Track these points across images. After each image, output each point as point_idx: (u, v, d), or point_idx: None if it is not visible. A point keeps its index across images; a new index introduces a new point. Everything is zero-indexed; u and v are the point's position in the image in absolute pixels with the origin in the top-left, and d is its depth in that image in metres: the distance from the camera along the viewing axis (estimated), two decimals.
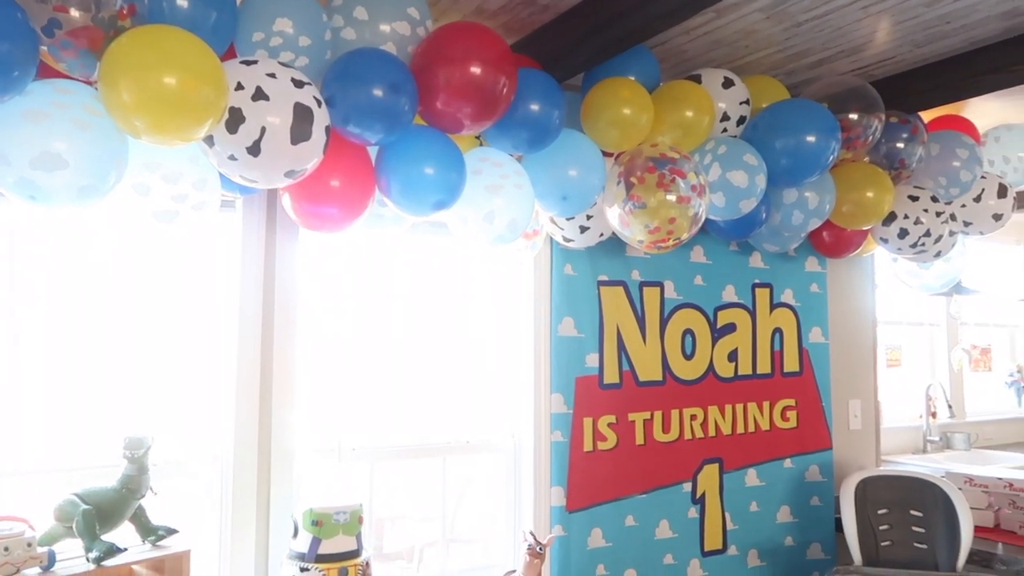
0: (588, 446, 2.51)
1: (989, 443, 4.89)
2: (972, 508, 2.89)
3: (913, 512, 2.67)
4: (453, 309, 2.40)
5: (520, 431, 2.47)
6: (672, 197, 2.11)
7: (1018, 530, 2.80)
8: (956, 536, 2.54)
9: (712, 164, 2.21)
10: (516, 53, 2.02)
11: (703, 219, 2.14)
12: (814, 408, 3.00)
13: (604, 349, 2.57)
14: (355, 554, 1.82)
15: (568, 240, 2.36)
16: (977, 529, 2.84)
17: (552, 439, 2.46)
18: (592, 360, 2.55)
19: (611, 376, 2.58)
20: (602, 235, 2.33)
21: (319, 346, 2.17)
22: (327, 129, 1.64)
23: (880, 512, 2.70)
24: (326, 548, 1.78)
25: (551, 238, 2.44)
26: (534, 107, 1.96)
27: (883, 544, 2.66)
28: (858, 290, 3.20)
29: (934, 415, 4.63)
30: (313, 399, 2.14)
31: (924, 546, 2.62)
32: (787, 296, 2.98)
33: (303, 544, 1.78)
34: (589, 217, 2.26)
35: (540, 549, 2.05)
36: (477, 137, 2.07)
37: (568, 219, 2.27)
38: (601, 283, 2.59)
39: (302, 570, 1.74)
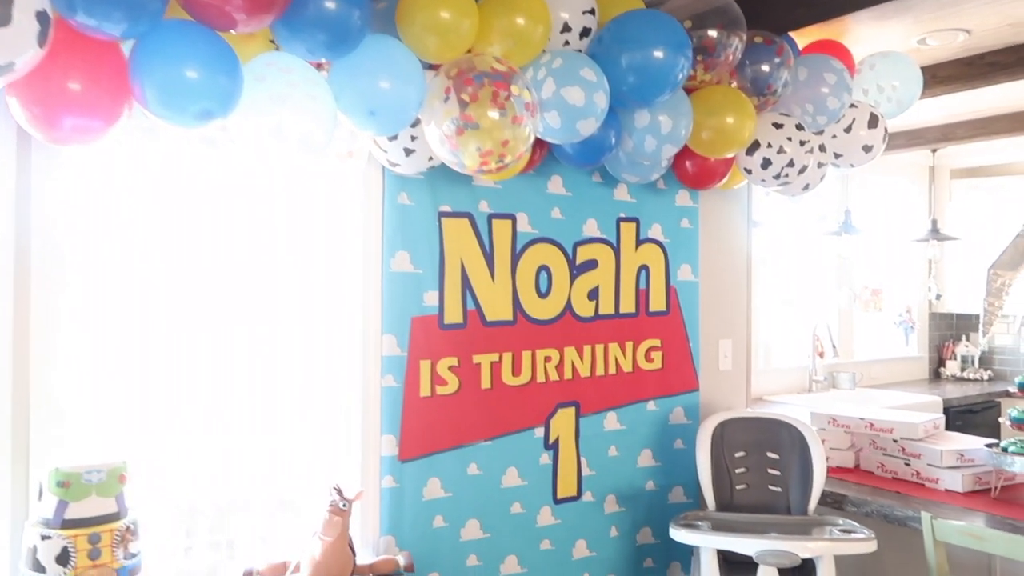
0: (425, 391, 2.32)
1: (876, 383, 4.95)
2: (834, 449, 2.84)
3: (770, 454, 2.58)
4: (266, 241, 2.13)
5: (345, 376, 2.25)
6: (507, 117, 1.89)
7: (876, 471, 2.76)
8: (809, 478, 2.47)
9: (546, 79, 1.98)
10: None
11: (532, 141, 1.93)
12: (681, 349, 2.88)
13: (445, 286, 2.36)
14: (113, 518, 1.59)
15: (394, 164, 2.12)
16: (838, 470, 2.80)
17: (383, 384, 2.26)
18: (431, 298, 2.34)
19: (453, 316, 2.38)
20: (431, 160, 2.09)
21: (96, 287, 1.89)
22: (41, 15, 1.34)
23: (737, 455, 2.61)
24: (74, 512, 1.54)
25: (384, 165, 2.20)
26: (330, 4, 1.68)
27: (738, 488, 2.57)
28: (732, 226, 3.06)
29: (821, 355, 4.63)
30: (91, 347, 1.87)
31: (778, 489, 2.54)
32: (655, 231, 2.81)
33: (48, 508, 1.55)
34: (414, 139, 2.02)
35: (344, 505, 1.86)
36: (272, 41, 1.79)
37: (391, 140, 2.02)
38: (443, 215, 2.36)
39: (43, 537, 1.51)
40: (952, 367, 5.36)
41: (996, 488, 2.46)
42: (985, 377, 5.23)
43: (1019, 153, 4.78)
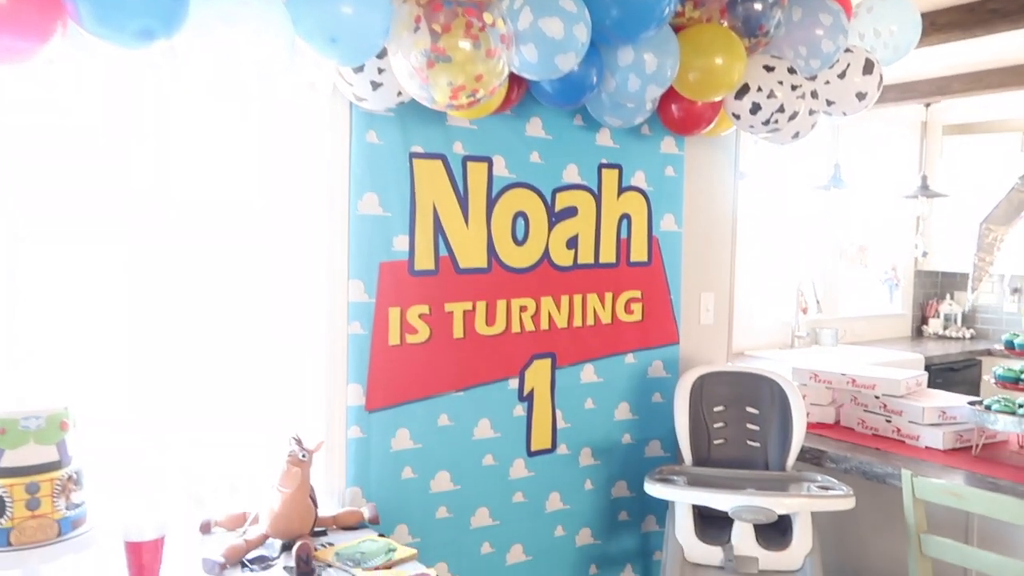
0: (394, 339, 2.23)
1: (858, 339, 4.91)
2: (815, 404, 2.79)
3: (749, 409, 2.53)
4: (223, 180, 2.01)
5: (310, 323, 2.15)
6: (480, 49, 1.76)
7: (857, 427, 2.71)
8: (788, 434, 2.41)
9: (522, 9, 1.84)
10: None
11: (507, 76, 1.80)
12: (662, 301, 2.80)
13: (416, 231, 2.25)
14: (53, 467, 1.50)
15: (360, 99, 1.99)
16: (818, 426, 2.75)
17: (349, 331, 2.16)
18: (401, 243, 2.23)
19: (424, 262, 2.27)
20: (400, 95, 1.96)
21: (30, 215, 1.77)
22: None
23: (716, 409, 2.55)
24: (10, 460, 1.45)
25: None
26: None
27: (716, 443, 2.52)
28: (718, 176, 2.96)
29: (804, 311, 4.58)
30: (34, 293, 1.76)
31: (757, 444, 2.49)
32: (638, 179, 2.71)
33: None
34: (381, 71, 1.89)
35: (303, 456, 1.78)
36: None
37: (356, 72, 1.89)
38: (415, 155, 2.24)
39: None
40: (935, 325, 5.34)
41: (977, 446, 2.43)
42: (967, 335, 5.22)
43: (1012, 109, 4.68)
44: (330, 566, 1.74)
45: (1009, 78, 3.77)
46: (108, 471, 1.83)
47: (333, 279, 2.14)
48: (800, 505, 2.10)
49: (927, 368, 4.38)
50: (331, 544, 1.86)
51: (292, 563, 1.71)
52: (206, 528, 1.89)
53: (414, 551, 1.80)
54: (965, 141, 5.07)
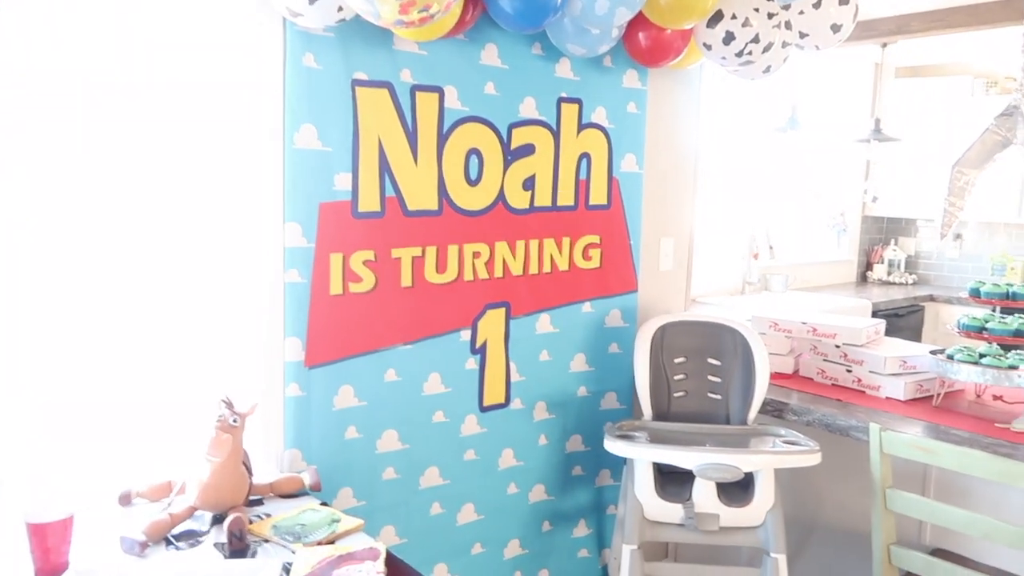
0: (336, 288, 2.03)
1: (806, 285, 4.91)
2: (774, 354, 2.72)
3: (711, 361, 2.43)
4: (135, 103, 1.74)
5: (241, 271, 1.92)
6: None
7: (816, 376, 2.65)
8: (751, 386, 2.33)
9: None
10: None
11: None
12: (621, 246, 2.65)
13: (360, 169, 2.03)
14: None
15: (295, 14, 1.74)
16: (777, 376, 2.68)
17: (286, 280, 1.95)
18: (343, 182, 2.01)
19: (369, 203, 2.06)
20: (341, 10, 1.72)
21: None
22: None
23: (677, 361, 2.44)
24: None
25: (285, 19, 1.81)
26: None
27: (676, 395, 2.42)
28: (682, 114, 2.79)
29: (755, 256, 4.53)
30: None
31: (718, 397, 2.40)
32: (599, 115, 2.52)
33: None
34: None
35: (235, 421, 1.58)
36: None
37: None
38: (358, 83, 2.00)
39: None
40: (879, 271, 5.38)
41: (938, 396, 2.38)
42: (909, 281, 5.27)
43: (964, 52, 4.63)
44: (267, 541, 1.57)
45: (970, 18, 3.68)
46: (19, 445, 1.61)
47: (268, 221, 1.91)
48: (767, 462, 2.02)
49: (873, 314, 4.40)
50: (268, 515, 1.69)
51: (224, 539, 1.53)
52: (126, 500, 1.69)
53: (360, 522, 1.65)
54: (917, 84, 5.03)
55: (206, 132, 1.81)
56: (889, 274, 5.34)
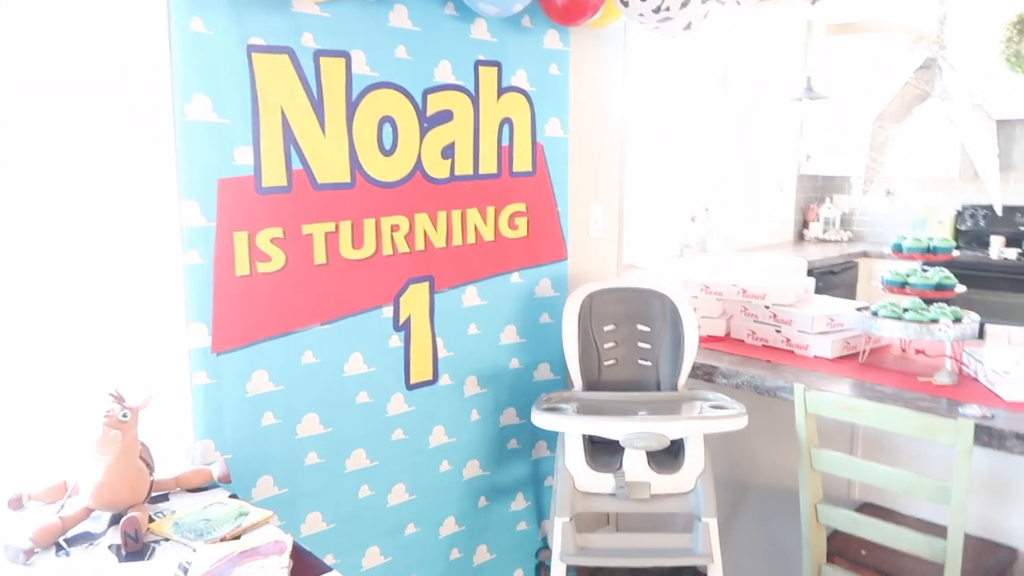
0: (242, 269, 1.92)
1: (745, 246, 4.92)
2: (706, 317, 2.70)
3: (640, 327, 2.39)
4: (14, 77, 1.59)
5: (137, 254, 1.80)
6: None
7: (747, 338, 2.64)
8: (680, 351, 2.30)
9: None
10: None
11: None
12: (548, 214, 2.59)
13: (262, 141, 1.92)
14: None
15: None
16: (708, 339, 2.66)
17: (185, 262, 1.84)
18: (243, 155, 1.89)
19: (274, 177, 1.95)
20: None
21: None
22: None
23: (606, 329, 2.40)
24: None
25: None
26: None
27: (606, 364, 2.38)
28: (606, 75, 2.73)
29: (693, 219, 4.52)
30: None
31: (648, 363, 2.37)
32: (520, 79, 2.44)
33: None
34: None
35: (125, 415, 1.48)
36: None
37: None
38: (254, 49, 1.88)
39: None
40: (815, 229, 5.43)
41: (864, 353, 2.39)
42: (845, 239, 5.34)
43: (895, 7, 4.65)
44: (167, 540, 1.48)
45: None
46: None
47: (162, 201, 1.79)
48: (693, 428, 2.00)
49: (809, 273, 4.43)
50: (173, 512, 1.60)
51: (119, 540, 1.44)
52: (16, 503, 1.58)
53: (269, 514, 1.57)
54: (849, 41, 5.04)
55: (90, 108, 1.68)
56: (825, 232, 5.39)
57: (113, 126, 1.71)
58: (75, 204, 1.69)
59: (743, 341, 2.64)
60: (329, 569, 1.40)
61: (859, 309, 2.38)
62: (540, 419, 2.05)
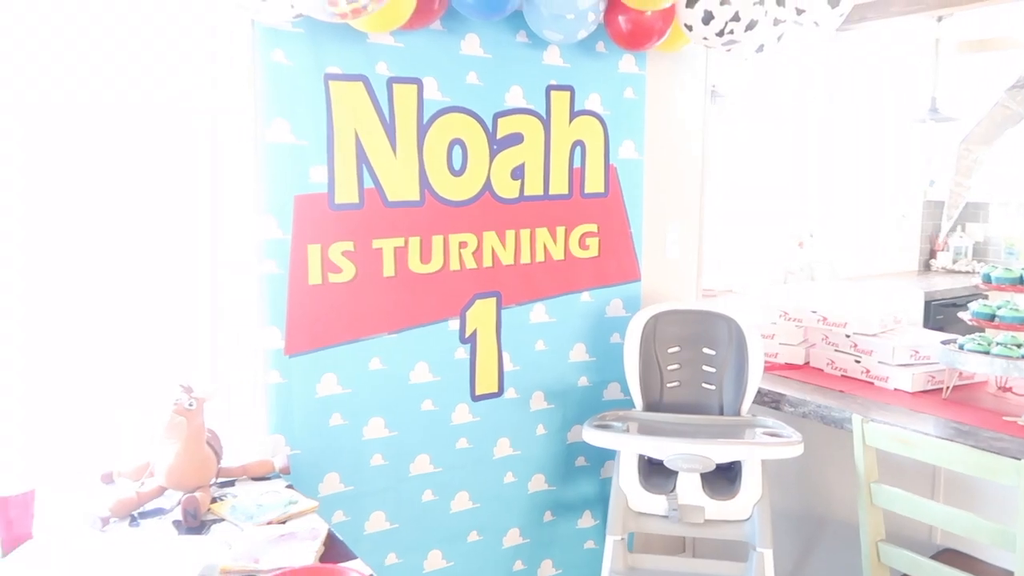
0: (315, 279, 2.08)
1: (860, 274, 4.68)
2: (784, 344, 2.63)
3: (706, 350, 2.37)
4: (115, 106, 1.84)
5: (221, 263, 2.00)
6: None
7: (826, 367, 2.54)
8: (744, 376, 2.26)
9: None
10: None
11: None
12: (621, 235, 2.61)
13: (336, 161, 2.08)
14: None
15: (255, 12, 1.80)
16: (786, 367, 2.59)
17: (263, 271, 2.02)
18: (319, 174, 2.06)
19: (347, 194, 2.11)
20: (294, 7, 1.76)
21: None
22: None
23: (671, 350, 2.39)
24: None
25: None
26: None
27: (669, 385, 2.37)
28: (685, 96, 2.72)
29: (800, 244, 4.36)
30: None
31: (712, 387, 2.34)
32: (593, 102, 2.49)
33: None
34: None
35: (191, 405, 1.66)
36: None
37: None
38: (331, 77, 2.05)
39: None
40: (943, 259, 5.07)
41: (948, 388, 2.25)
42: (977, 270, 4.95)
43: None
44: (224, 520, 1.64)
45: None
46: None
47: (243, 215, 1.98)
48: (740, 453, 1.96)
49: (929, 304, 4.16)
50: (235, 496, 1.76)
51: (181, 517, 1.61)
52: (108, 479, 1.80)
53: (315, 503, 1.69)
54: (978, 60, 4.71)
55: (184, 131, 1.90)
56: (955, 262, 5.03)
57: (203, 147, 1.92)
58: (168, 216, 1.91)
59: (822, 370, 2.54)
60: (354, 557, 1.49)
61: (944, 342, 2.24)
62: (589, 435, 2.08)
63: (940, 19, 4.36)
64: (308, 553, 1.47)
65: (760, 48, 2.25)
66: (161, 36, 1.83)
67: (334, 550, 1.53)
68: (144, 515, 1.66)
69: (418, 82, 2.18)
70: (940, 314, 4.17)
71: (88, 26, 1.76)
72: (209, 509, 1.67)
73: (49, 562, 1.40)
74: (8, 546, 1.45)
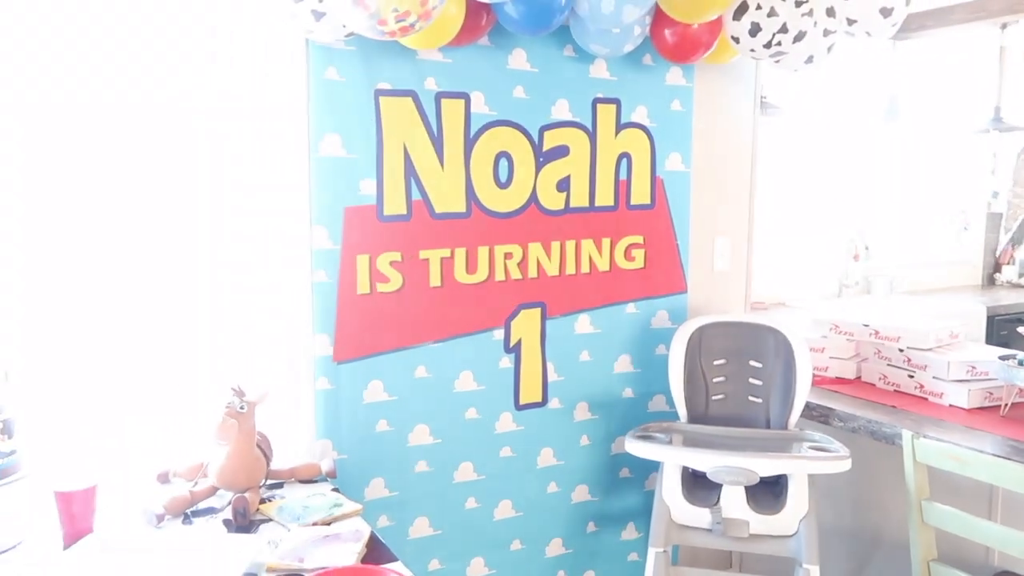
0: (363, 288, 2.14)
1: (920, 288, 4.55)
2: (835, 358, 2.59)
3: (752, 363, 2.34)
4: (172, 120, 1.93)
5: (272, 272, 2.07)
6: None
7: (878, 382, 2.49)
8: (792, 390, 2.22)
9: None
10: None
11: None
12: (667, 247, 2.61)
13: (384, 174, 2.14)
14: None
15: (308, 31, 1.87)
16: (837, 381, 2.55)
17: (314, 280, 2.09)
18: (368, 187, 2.12)
19: (395, 206, 2.16)
20: (346, 26, 1.83)
21: None
22: None
23: (716, 363, 2.37)
24: None
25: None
26: None
27: (715, 398, 2.35)
28: (734, 108, 2.71)
29: (856, 257, 4.27)
30: None
31: (759, 400, 2.31)
32: (639, 115, 2.50)
33: None
34: None
35: (242, 407, 1.72)
36: None
37: (297, 0, 1.77)
38: (381, 93, 2.11)
39: None
40: (1009, 273, 4.89)
41: (1006, 405, 2.17)
42: None
43: None
44: (271, 520, 1.69)
45: None
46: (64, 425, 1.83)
47: (294, 225, 2.05)
48: (784, 466, 1.93)
49: (991, 320, 4.02)
50: (283, 497, 1.82)
51: (231, 516, 1.67)
52: (164, 478, 1.88)
53: (359, 507, 1.74)
54: None
55: (240, 144, 1.98)
56: (1021, 276, 4.85)
57: (258, 160, 2.00)
58: (224, 227, 1.99)
59: (874, 385, 2.49)
60: (395, 559, 1.53)
61: (1003, 357, 2.17)
62: (631, 445, 2.08)
63: (1004, 26, 4.24)
64: (350, 554, 1.51)
65: (810, 59, 2.23)
66: (223, 54, 1.91)
67: (377, 552, 1.56)
68: (196, 513, 1.73)
69: (466, 96, 2.22)
70: (1004, 330, 4.02)
71: (152, 38, 1.85)
72: (258, 509, 1.72)
73: (108, 555, 1.47)
74: (70, 539, 1.53)
